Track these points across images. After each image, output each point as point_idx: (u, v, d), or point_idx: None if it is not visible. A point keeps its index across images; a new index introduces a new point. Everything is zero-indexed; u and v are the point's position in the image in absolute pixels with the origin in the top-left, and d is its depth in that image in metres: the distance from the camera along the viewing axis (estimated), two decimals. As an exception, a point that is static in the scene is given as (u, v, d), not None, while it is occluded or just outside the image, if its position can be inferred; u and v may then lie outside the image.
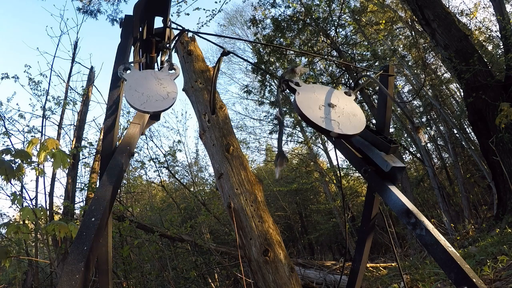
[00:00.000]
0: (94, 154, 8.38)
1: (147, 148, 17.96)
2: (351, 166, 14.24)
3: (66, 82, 8.09)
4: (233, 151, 3.13)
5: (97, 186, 1.50)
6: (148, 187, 14.38)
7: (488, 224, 7.31)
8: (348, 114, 1.22)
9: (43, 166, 5.14)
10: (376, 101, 9.55)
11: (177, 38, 1.69)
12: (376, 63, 11.96)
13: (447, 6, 9.29)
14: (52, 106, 7.42)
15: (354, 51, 11.64)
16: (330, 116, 1.16)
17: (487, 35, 12.16)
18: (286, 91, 1.28)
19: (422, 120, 15.26)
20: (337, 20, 10.95)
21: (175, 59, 3.96)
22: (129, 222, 6.81)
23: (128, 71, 1.28)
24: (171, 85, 1.28)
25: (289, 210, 17.52)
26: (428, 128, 15.48)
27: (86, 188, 7.93)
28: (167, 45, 1.59)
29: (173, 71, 1.35)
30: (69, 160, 2.70)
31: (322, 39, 11.31)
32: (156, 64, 1.77)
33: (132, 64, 1.34)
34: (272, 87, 12.71)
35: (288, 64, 11.78)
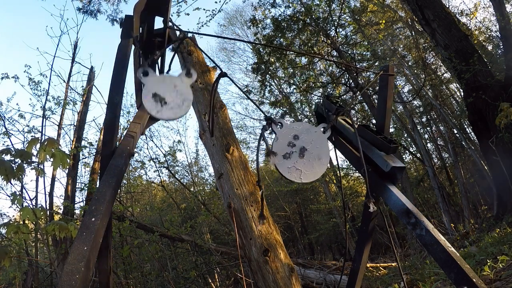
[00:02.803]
0: (94, 154, 8.38)
1: (147, 148, 17.96)
2: (351, 166, 14.24)
3: (66, 82, 8.09)
4: (233, 151, 3.13)
5: (97, 186, 1.50)
6: (148, 187, 14.38)
7: (488, 224, 7.31)
8: (314, 158, 1.36)
9: (43, 166, 5.15)
10: (376, 101, 9.55)
11: (178, 42, 1.69)
12: (376, 63, 11.96)
13: (447, 6, 9.29)
14: (52, 106, 7.42)
15: (354, 51, 11.63)
16: (297, 165, 1.33)
17: (487, 35, 12.16)
18: (269, 130, 1.40)
19: (422, 120, 15.27)
20: (337, 20, 10.95)
21: (175, 59, 3.96)
22: (129, 222, 6.81)
23: (147, 76, 1.31)
24: (187, 92, 1.33)
25: (289, 210, 17.52)
26: (428, 128, 15.49)
27: (86, 188, 7.93)
28: (177, 47, 1.62)
29: (190, 76, 1.39)
30: (68, 160, 2.70)
31: (322, 39, 11.30)
32: (156, 64, 1.77)
33: (151, 69, 1.36)
34: (272, 87, 12.72)
35: (288, 64, 11.79)
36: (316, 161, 1.36)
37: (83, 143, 8.09)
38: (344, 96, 11.49)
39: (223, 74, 1.49)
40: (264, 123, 1.40)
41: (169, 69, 1.65)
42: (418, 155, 13.38)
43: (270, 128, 1.39)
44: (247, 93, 13.65)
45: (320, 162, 1.37)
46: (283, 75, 13.60)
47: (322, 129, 1.42)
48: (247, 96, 1.99)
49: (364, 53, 12.33)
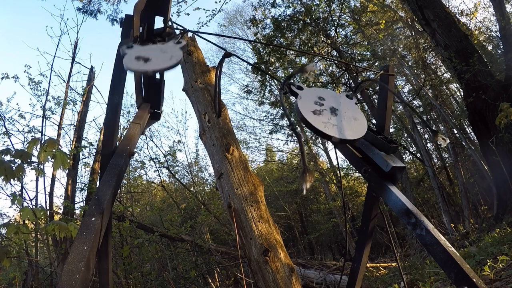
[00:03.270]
0: (94, 154, 8.38)
1: (147, 148, 17.96)
2: (351, 166, 14.24)
3: (66, 82, 8.09)
4: (233, 151, 3.13)
5: (97, 186, 1.50)
6: (148, 187, 14.39)
7: (488, 224, 7.31)
8: (350, 118, 1.21)
9: (43, 166, 5.15)
10: (376, 101, 9.56)
11: (180, 36, 1.68)
12: (376, 63, 11.96)
13: (447, 6, 9.28)
14: (52, 106, 7.40)
15: (354, 51, 11.64)
16: (332, 121, 1.15)
17: (487, 35, 12.16)
18: (288, 94, 1.26)
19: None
20: (337, 20, 10.95)
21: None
22: (129, 222, 6.81)
23: (131, 48, 1.22)
24: (176, 51, 1.22)
25: (289, 210, 17.53)
26: (428, 128, 15.48)
27: (86, 188, 7.93)
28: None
29: (180, 43, 1.29)
30: (68, 161, 2.70)
31: (322, 39, 11.30)
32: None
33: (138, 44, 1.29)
34: (272, 87, 12.72)
35: (288, 64, 11.79)
36: (353, 122, 1.20)
37: (83, 143, 8.09)
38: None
39: (227, 54, 1.47)
40: (280, 88, 1.25)
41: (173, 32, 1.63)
42: (418, 155, 13.38)
43: (289, 91, 1.23)
44: (247, 93, 13.65)
45: (358, 123, 1.21)
46: (283, 75, 13.60)
47: (346, 95, 1.31)
48: (255, 67, 1.94)
49: (364, 53, 12.33)
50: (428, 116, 14.83)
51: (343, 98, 1.30)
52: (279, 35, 10.88)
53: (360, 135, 1.18)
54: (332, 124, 1.13)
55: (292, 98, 1.26)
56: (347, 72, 11.03)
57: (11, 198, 3.10)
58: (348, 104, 1.26)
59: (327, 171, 16.99)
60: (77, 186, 7.91)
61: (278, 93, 15.52)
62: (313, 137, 15.26)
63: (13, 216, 7.56)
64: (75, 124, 8.09)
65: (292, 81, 1.26)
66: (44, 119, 6.88)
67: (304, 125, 1.13)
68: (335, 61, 12.55)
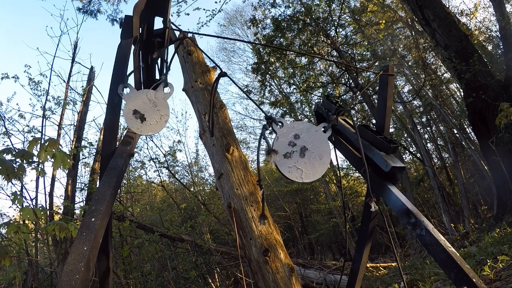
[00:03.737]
0: (94, 154, 8.38)
1: (147, 148, 17.98)
2: (351, 166, 14.24)
3: (66, 82, 8.09)
4: (233, 151, 3.13)
5: (97, 186, 1.51)
6: (148, 187, 14.38)
7: (488, 224, 7.31)
8: (315, 158, 1.35)
9: (43, 166, 5.15)
10: (376, 101, 9.55)
11: (178, 42, 1.70)
12: (376, 63, 11.96)
13: (447, 6, 9.28)
14: (52, 106, 7.40)
15: (354, 51, 11.63)
16: (297, 164, 1.33)
17: (487, 35, 12.16)
18: (269, 129, 1.39)
19: (422, 120, 15.27)
20: (337, 20, 10.95)
21: (175, 59, 3.96)
22: (129, 222, 6.81)
23: (127, 90, 1.37)
24: (164, 108, 1.40)
25: (289, 210, 17.52)
26: (428, 128, 15.49)
27: (86, 188, 7.93)
28: (177, 47, 1.68)
29: (167, 89, 1.45)
30: (69, 161, 2.70)
31: (322, 39, 11.30)
32: (156, 65, 1.77)
33: (130, 81, 1.45)
34: (272, 87, 12.72)
35: (288, 64, 11.79)
36: (317, 161, 1.36)
37: (83, 143, 8.09)
38: (344, 96, 11.49)
39: (222, 74, 1.49)
40: (265, 122, 1.40)
41: (169, 69, 1.65)
42: (418, 155, 13.38)
43: (271, 128, 1.38)
44: (248, 93, 13.66)
45: (321, 162, 1.37)
46: (283, 75, 13.61)
47: (322, 129, 1.42)
48: (247, 96, 1.98)
49: (364, 53, 12.33)
50: (428, 116, 14.83)
51: (318, 133, 1.41)
52: (279, 35, 10.88)
53: (319, 176, 1.36)
54: (296, 168, 1.33)
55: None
56: (347, 72, 11.03)
57: (12, 197, 3.10)
58: (319, 141, 1.39)
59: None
60: (77, 186, 7.91)
61: (278, 93, 15.52)
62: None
63: (13, 216, 7.57)
64: (75, 124, 8.09)
65: (274, 117, 1.39)
66: (44, 119, 6.88)
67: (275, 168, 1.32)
68: (335, 61, 12.55)
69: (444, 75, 13.69)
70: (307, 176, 1.34)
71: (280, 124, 1.38)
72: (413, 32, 12.92)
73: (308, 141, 1.38)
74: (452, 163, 12.94)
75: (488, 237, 5.36)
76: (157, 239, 7.27)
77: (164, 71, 1.70)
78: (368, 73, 11.79)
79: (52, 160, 2.51)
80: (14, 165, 2.39)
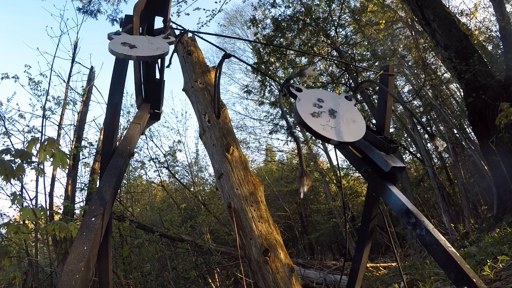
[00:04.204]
0: (94, 154, 8.38)
1: (147, 148, 17.95)
2: (351, 166, 14.24)
3: (66, 82, 8.09)
4: (233, 151, 3.13)
5: (97, 186, 1.50)
6: (148, 187, 14.38)
7: (488, 224, 7.31)
8: (348, 120, 1.21)
9: (43, 166, 5.15)
10: (376, 101, 9.55)
11: (178, 39, 1.68)
12: (376, 63, 11.96)
13: (447, 6, 9.28)
14: (52, 106, 7.40)
15: (354, 51, 11.64)
16: (330, 124, 1.15)
17: (487, 35, 12.16)
18: (287, 96, 1.26)
19: (422, 120, 15.26)
20: (337, 20, 10.95)
21: (175, 59, 3.96)
22: (129, 222, 6.81)
23: (119, 35, 1.22)
24: (163, 44, 1.22)
25: (289, 210, 17.53)
26: (428, 128, 15.48)
27: (86, 188, 7.92)
28: (176, 44, 1.56)
29: (167, 37, 1.29)
30: (68, 161, 2.70)
31: (322, 39, 11.31)
32: (156, 64, 1.77)
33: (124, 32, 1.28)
34: (272, 87, 12.72)
35: (288, 64, 11.79)
36: (352, 123, 1.19)
37: (83, 143, 8.09)
38: (344, 96, 11.45)
39: (227, 55, 1.47)
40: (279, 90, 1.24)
41: (168, 66, 1.64)
42: (418, 155, 13.38)
43: (288, 93, 1.23)
44: (247, 93, 13.65)
45: (357, 124, 1.20)
46: (283, 75, 13.61)
47: (345, 97, 1.30)
48: (254, 68, 1.95)
49: (364, 53, 12.33)
50: (428, 116, 14.83)
51: (342, 99, 1.29)
52: (279, 35, 10.88)
53: (358, 137, 1.17)
54: (331, 127, 1.13)
55: (292, 100, 1.25)
56: (347, 72, 11.03)
57: (11, 198, 3.10)
58: (346, 106, 1.26)
59: (327, 171, 16.99)
60: (77, 186, 7.91)
61: (278, 93, 15.50)
62: (313, 137, 15.25)
63: (13, 216, 7.57)
64: (75, 124, 8.09)
65: (291, 82, 1.25)
66: (44, 119, 6.88)
67: (303, 128, 1.11)
68: (335, 61, 12.55)
69: (444, 75, 13.70)
70: (346, 135, 1.13)
71: (299, 89, 1.24)
72: (413, 32, 12.92)
73: (335, 105, 1.22)
74: (452, 163, 12.94)
75: (488, 237, 5.36)
76: (157, 239, 7.27)
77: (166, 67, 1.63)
78: (368, 73, 11.80)
79: (51, 159, 2.51)
80: (13, 165, 2.39)
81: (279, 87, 1.25)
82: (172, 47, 1.35)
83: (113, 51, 1.11)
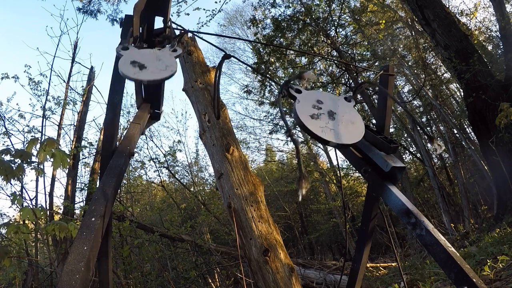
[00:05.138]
0: (94, 154, 8.38)
1: (147, 148, 17.96)
2: (351, 166, 14.24)
3: (66, 82, 8.09)
4: (233, 151, 3.13)
5: (97, 186, 1.50)
6: (148, 187, 14.39)
7: (488, 224, 7.31)
8: (347, 122, 1.21)
9: (43, 166, 5.15)
10: (376, 101, 9.55)
11: (179, 38, 1.68)
12: (376, 63, 11.96)
13: (447, 6, 9.28)
14: (52, 106, 7.40)
15: (354, 51, 11.64)
16: (329, 126, 1.16)
17: (487, 35, 12.16)
18: (286, 97, 1.27)
19: (422, 120, 15.26)
20: (337, 20, 10.95)
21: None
22: (129, 222, 6.81)
23: (126, 50, 1.22)
24: (171, 61, 1.20)
25: (289, 210, 17.53)
26: (428, 128, 15.49)
27: (86, 188, 7.93)
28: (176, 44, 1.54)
29: (175, 50, 1.27)
30: (68, 160, 2.70)
31: (322, 39, 11.31)
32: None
33: (133, 45, 1.28)
34: (272, 87, 12.72)
35: (288, 64, 11.79)
36: (351, 125, 1.20)
37: (83, 143, 8.09)
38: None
39: (227, 56, 1.46)
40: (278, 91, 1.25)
41: (172, 35, 1.63)
42: (418, 155, 13.39)
43: (287, 94, 1.24)
44: (247, 93, 13.65)
45: (355, 127, 1.21)
46: (283, 75, 13.61)
47: (344, 98, 1.31)
48: (254, 69, 1.95)
49: (364, 53, 12.33)
50: (428, 116, 14.83)
51: (341, 101, 1.30)
52: (279, 35, 10.88)
53: (357, 140, 1.18)
54: (330, 129, 1.14)
55: (292, 101, 1.26)
56: (347, 72, 11.04)
57: (11, 198, 3.10)
58: (346, 108, 1.26)
59: (327, 171, 16.99)
60: (77, 186, 7.91)
61: (277, 95, 15.51)
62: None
63: (13, 216, 7.57)
64: (75, 124, 8.09)
65: (291, 83, 1.26)
66: (44, 119, 6.88)
67: (302, 130, 1.13)
68: (335, 61, 12.55)
69: (444, 75, 13.70)
70: (345, 138, 1.14)
71: (298, 90, 1.24)
72: (413, 32, 12.92)
73: (334, 106, 1.23)
74: (452, 163, 12.95)
75: (488, 237, 5.36)
76: (157, 239, 7.27)
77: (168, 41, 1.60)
78: (368, 73, 11.80)
79: (52, 160, 2.51)
80: (13, 166, 2.39)
81: (279, 88, 1.26)
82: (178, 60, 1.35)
83: (124, 74, 1.11)
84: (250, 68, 15.93)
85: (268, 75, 11.69)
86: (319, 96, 1.25)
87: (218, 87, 1.58)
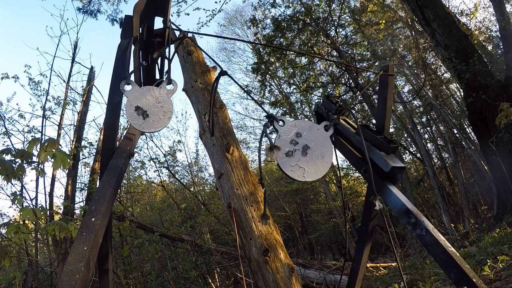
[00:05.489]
0: (94, 154, 8.38)
1: (147, 148, 17.97)
2: (351, 166, 14.24)
3: (66, 82, 8.08)
4: (233, 151, 3.13)
5: (97, 186, 1.51)
6: (148, 187, 14.38)
7: (488, 224, 7.31)
8: (318, 157, 1.34)
9: (43, 166, 5.15)
10: (376, 101, 9.55)
11: (179, 42, 1.69)
12: (376, 63, 11.96)
13: (447, 6, 9.28)
14: (52, 106, 7.39)
15: (354, 51, 11.63)
16: (300, 163, 1.31)
17: (487, 35, 12.16)
18: (270, 128, 1.39)
19: (422, 120, 15.27)
20: (337, 20, 10.95)
21: (175, 59, 3.97)
22: (129, 222, 6.81)
23: (129, 86, 1.35)
24: (168, 104, 1.37)
25: (289, 210, 17.53)
26: (428, 128, 15.49)
27: (86, 188, 7.92)
28: (166, 50, 1.64)
29: (171, 86, 1.42)
30: (69, 161, 2.70)
31: (322, 39, 11.30)
32: (156, 65, 1.77)
33: (133, 79, 1.41)
34: (272, 87, 12.72)
35: (288, 64, 11.79)
36: (320, 160, 1.34)
37: (83, 143, 8.08)
38: (344, 96, 11.49)
39: (223, 73, 1.49)
40: (265, 122, 1.39)
41: (169, 69, 1.64)
42: (418, 155, 13.38)
43: (272, 126, 1.37)
44: (248, 92, 13.66)
45: (324, 161, 1.35)
46: (283, 75, 13.61)
47: (324, 127, 1.41)
48: (248, 94, 1.99)
49: (364, 53, 12.33)
50: (428, 116, 14.83)
51: (320, 132, 1.39)
52: (279, 35, 10.88)
53: (322, 175, 1.34)
54: (299, 167, 1.32)
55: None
56: (347, 72, 11.03)
57: (12, 198, 3.10)
58: (321, 140, 1.38)
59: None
60: (77, 186, 7.90)
61: (278, 93, 15.53)
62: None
63: (13, 216, 7.57)
64: (75, 124, 8.09)
65: (275, 116, 1.38)
66: (44, 119, 6.87)
67: (276, 166, 1.32)
68: (335, 61, 12.55)
69: (444, 75, 13.70)
70: (309, 175, 1.32)
71: (281, 122, 1.37)
72: (413, 32, 12.92)
73: (310, 139, 1.36)
74: (452, 163, 12.94)
75: (488, 237, 5.36)
76: (157, 239, 7.27)
77: (166, 69, 1.68)
78: (368, 73, 11.80)
79: (52, 160, 2.51)
80: (14, 165, 2.39)
81: (265, 120, 1.40)
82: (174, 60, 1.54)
83: (133, 124, 1.31)
84: (250, 68, 15.92)
85: (268, 75, 11.69)
86: (299, 128, 1.37)
87: (214, 102, 1.65)
